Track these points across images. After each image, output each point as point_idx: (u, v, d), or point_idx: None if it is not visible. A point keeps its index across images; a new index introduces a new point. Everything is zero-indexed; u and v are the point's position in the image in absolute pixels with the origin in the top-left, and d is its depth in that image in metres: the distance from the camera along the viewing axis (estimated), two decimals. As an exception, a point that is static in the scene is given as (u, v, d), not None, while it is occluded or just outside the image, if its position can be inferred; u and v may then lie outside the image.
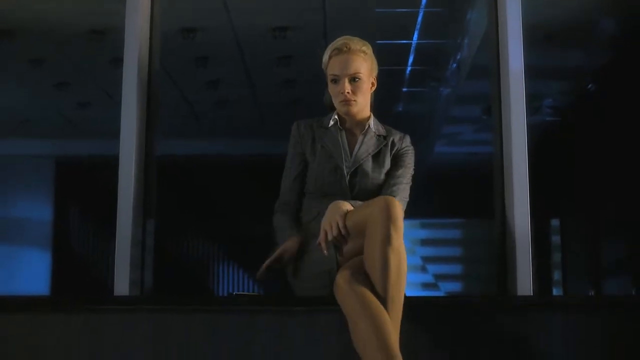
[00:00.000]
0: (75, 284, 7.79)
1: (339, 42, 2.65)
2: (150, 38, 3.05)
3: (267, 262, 2.59)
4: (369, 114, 2.74)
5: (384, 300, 2.12)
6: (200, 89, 6.74)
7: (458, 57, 5.96)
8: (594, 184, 6.36)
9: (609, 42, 5.53)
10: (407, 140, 2.76)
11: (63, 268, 8.12)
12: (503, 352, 2.42)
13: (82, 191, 8.10)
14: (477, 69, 5.34)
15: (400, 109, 7.15)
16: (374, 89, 2.73)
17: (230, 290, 8.66)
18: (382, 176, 2.66)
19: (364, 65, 2.64)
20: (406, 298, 2.19)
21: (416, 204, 2.75)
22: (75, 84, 6.58)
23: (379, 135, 2.72)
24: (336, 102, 2.67)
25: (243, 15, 5.31)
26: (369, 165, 2.66)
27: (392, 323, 2.09)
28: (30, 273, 7.91)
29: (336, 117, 2.71)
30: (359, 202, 2.46)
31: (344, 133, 2.71)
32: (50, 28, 5.33)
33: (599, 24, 5.34)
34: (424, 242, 8.52)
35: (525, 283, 2.80)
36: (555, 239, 7.63)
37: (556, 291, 7.41)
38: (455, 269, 8.62)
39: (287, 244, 2.59)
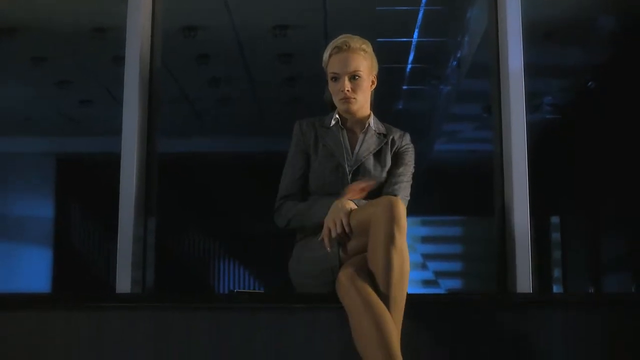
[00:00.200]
0: (77, 281, 7.80)
1: (339, 40, 2.66)
2: (152, 36, 3.05)
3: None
4: (369, 112, 2.74)
5: (386, 299, 2.13)
6: (201, 87, 6.74)
7: (458, 55, 5.95)
8: (594, 181, 6.36)
9: (608, 40, 5.53)
10: (407, 138, 2.76)
11: (64, 266, 8.13)
12: (503, 350, 2.42)
13: (84, 189, 8.11)
14: (477, 67, 5.34)
15: (400, 106, 7.15)
16: (374, 87, 2.73)
17: (231, 288, 8.68)
18: (384, 174, 2.65)
19: (364, 64, 2.64)
20: (407, 295, 2.19)
21: (416, 202, 2.75)
22: (77, 82, 6.58)
23: (379, 134, 2.72)
24: (336, 100, 2.67)
25: (244, 13, 5.32)
26: (370, 163, 2.65)
27: (394, 322, 2.09)
28: (32, 271, 7.92)
29: (337, 116, 2.71)
30: (363, 201, 2.46)
31: (345, 132, 2.70)
32: (52, 26, 5.34)
33: (598, 21, 5.34)
34: (425, 240, 8.54)
35: (525, 280, 2.80)
36: (555, 236, 7.63)
37: (556, 288, 7.41)
38: (456, 266, 8.64)
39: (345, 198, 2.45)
